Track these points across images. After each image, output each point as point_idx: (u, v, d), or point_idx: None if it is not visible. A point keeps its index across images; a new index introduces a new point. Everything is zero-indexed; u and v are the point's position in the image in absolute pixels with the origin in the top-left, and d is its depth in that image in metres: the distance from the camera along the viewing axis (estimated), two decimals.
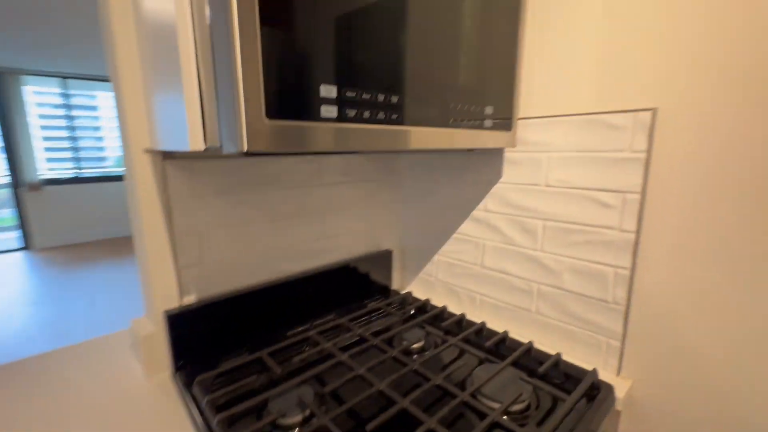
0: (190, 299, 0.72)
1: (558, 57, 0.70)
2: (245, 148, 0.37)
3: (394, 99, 0.50)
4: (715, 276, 0.58)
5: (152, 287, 0.68)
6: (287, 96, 0.40)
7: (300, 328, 0.84)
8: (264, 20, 0.37)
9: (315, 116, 0.42)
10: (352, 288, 0.96)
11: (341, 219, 0.93)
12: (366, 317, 0.90)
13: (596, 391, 0.63)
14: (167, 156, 0.66)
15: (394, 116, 0.50)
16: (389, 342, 0.78)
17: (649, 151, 0.62)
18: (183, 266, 0.70)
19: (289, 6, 0.39)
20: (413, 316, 0.90)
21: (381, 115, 0.49)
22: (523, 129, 0.76)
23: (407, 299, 0.98)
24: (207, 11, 0.39)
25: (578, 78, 0.68)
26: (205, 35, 0.41)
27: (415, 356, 0.75)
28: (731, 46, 0.53)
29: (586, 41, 0.66)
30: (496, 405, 0.59)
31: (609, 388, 0.64)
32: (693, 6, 0.56)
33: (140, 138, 0.63)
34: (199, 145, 0.44)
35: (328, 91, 0.43)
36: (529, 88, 0.75)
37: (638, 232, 0.65)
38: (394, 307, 0.94)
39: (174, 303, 0.70)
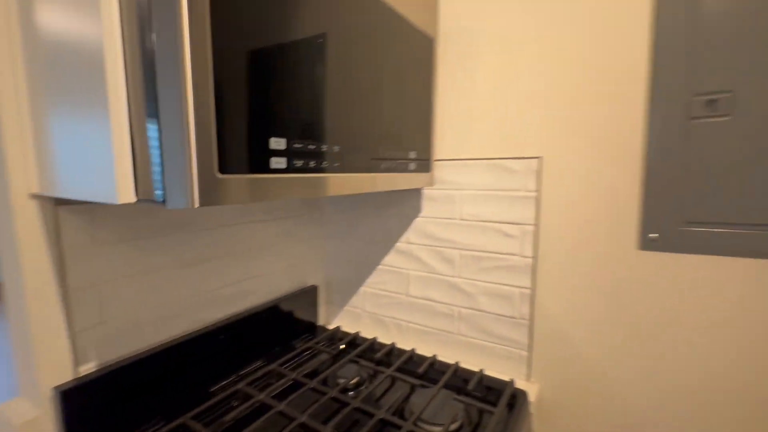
0: (89, 367, 0.61)
1: (465, 112, 0.82)
2: (197, 204, 0.35)
3: (336, 149, 0.53)
4: (592, 290, 0.73)
5: (36, 360, 0.56)
6: (240, 149, 0.39)
7: (225, 382, 0.77)
8: (217, 67, 0.37)
9: (265, 168, 0.42)
10: (278, 329, 0.92)
11: (264, 258, 0.90)
12: (296, 359, 0.87)
13: (514, 399, 0.72)
14: (61, 201, 0.56)
15: (336, 164, 0.53)
16: (325, 382, 0.77)
17: (538, 190, 0.76)
18: (80, 329, 0.59)
19: (242, 54, 0.39)
20: (345, 352, 0.91)
21: (325, 164, 0.51)
22: (439, 170, 0.86)
23: (336, 334, 0.98)
24: (150, 46, 0.37)
25: (482, 130, 0.80)
26: (138, 73, 0.38)
27: (352, 393, 0.75)
28: (586, 112, 0.70)
29: (486, 102, 0.79)
30: (437, 429, 0.63)
31: (524, 395, 0.74)
32: (560, 83, 0.72)
33: (24, 180, 0.53)
34: (128, 197, 0.40)
35: (278, 143, 0.44)
36: (443, 135, 0.85)
37: (535, 257, 0.78)
38: (323, 345, 0.92)
39: (67, 375, 0.58)
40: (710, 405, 0.66)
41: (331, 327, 1.04)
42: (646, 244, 0.68)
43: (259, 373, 0.77)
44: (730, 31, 0.58)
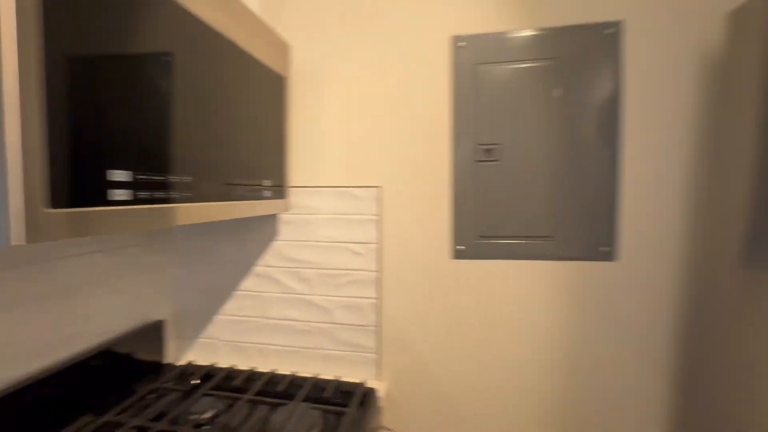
0: None
1: (316, 145, 0.92)
2: (23, 242, 0.33)
3: (187, 179, 0.54)
4: (421, 295, 0.90)
5: None
6: (75, 181, 0.38)
7: None
8: (51, 96, 0.35)
9: (105, 201, 0.42)
10: (115, 374, 0.81)
11: (97, 294, 0.79)
12: (138, 403, 0.78)
13: (365, 398, 0.83)
14: None
15: (187, 194, 0.54)
16: (175, 421, 0.72)
17: (380, 214, 0.90)
18: None
19: (80, 65, 0.38)
20: (198, 386, 0.86)
21: (174, 194, 0.52)
22: (295, 196, 0.93)
23: (187, 370, 0.92)
24: None
25: (331, 161, 0.91)
26: None
27: (208, 427, 0.73)
28: (410, 151, 0.88)
29: (333, 137, 0.91)
30: None
31: (373, 392, 0.84)
32: (390, 126, 0.89)
33: None
34: None
35: (120, 174, 0.43)
36: (297, 164, 0.93)
37: (380, 270, 0.91)
38: (172, 383, 0.86)
39: None
40: (514, 384, 0.89)
41: (181, 363, 0.96)
42: (457, 254, 0.89)
43: (91, 427, 0.67)
44: (497, 103, 0.84)
